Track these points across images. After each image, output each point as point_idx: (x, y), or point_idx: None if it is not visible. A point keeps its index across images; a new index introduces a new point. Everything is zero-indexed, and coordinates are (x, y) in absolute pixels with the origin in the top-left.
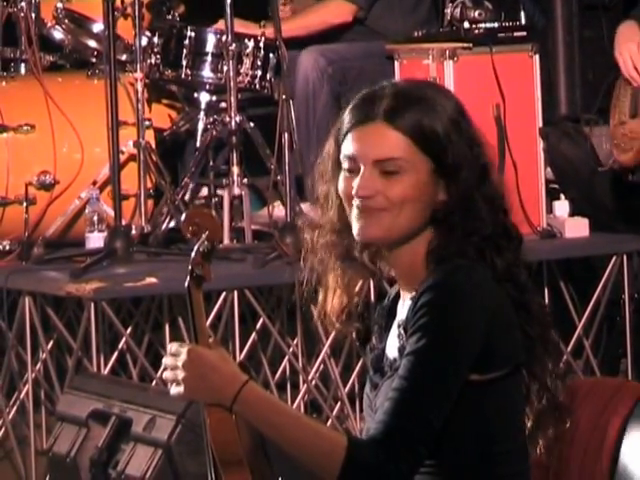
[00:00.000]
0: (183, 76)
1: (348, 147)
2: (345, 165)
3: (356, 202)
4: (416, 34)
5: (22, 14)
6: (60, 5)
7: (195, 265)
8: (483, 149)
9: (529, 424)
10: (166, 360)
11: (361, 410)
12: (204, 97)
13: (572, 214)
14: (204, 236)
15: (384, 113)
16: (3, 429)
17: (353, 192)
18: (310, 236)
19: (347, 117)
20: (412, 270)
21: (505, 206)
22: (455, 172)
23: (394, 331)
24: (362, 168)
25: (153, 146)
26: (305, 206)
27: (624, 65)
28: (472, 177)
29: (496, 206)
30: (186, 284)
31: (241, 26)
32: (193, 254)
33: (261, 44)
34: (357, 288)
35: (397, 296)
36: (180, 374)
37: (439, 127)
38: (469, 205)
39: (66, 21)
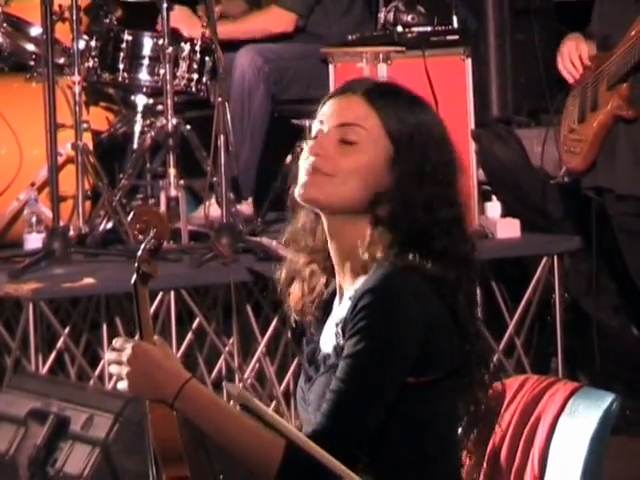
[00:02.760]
0: (120, 79)
1: (321, 112)
2: (314, 132)
3: (309, 161)
4: (350, 38)
5: None
6: None
7: (142, 262)
8: (451, 166)
9: (462, 425)
10: (110, 355)
11: (296, 408)
12: (141, 100)
13: (504, 215)
14: (152, 234)
15: (365, 90)
16: None
17: (308, 150)
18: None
19: (329, 94)
20: (352, 256)
21: (462, 213)
22: (419, 170)
23: (330, 326)
24: (326, 129)
25: (91, 148)
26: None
27: (561, 60)
28: (445, 186)
29: (457, 212)
30: (132, 281)
31: (185, 20)
32: (140, 251)
33: (197, 47)
34: (319, 280)
35: (334, 293)
36: (124, 369)
37: (411, 119)
38: (428, 207)
39: (4, 25)
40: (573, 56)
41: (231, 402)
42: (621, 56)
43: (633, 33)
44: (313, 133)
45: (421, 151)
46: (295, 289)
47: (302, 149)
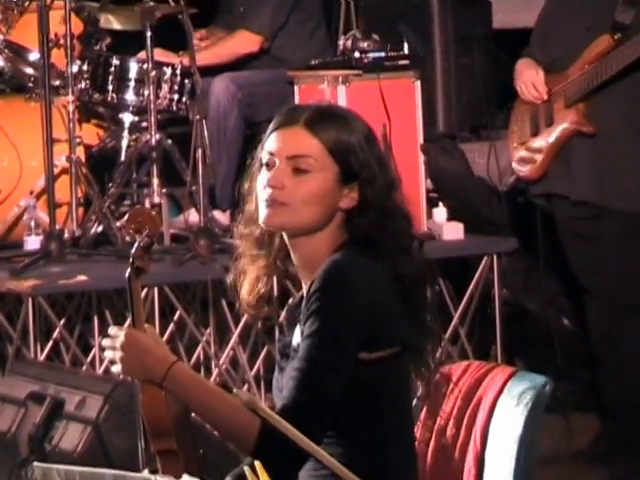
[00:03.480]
0: (109, 99)
1: (269, 144)
2: (265, 160)
3: (267, 192)
4: (313, 62)
5: None
6: (1, 37)
7: (136, 258)
8: (389, 168)
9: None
10: (105, 342)
11: (266, 391)
12: (128, 117)
13: (449, 219)
14: (145, 233)
15: (305, 120)
16: None
17: (265, 182)
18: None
19: (273, 122)
20: (311, 261)
21: (409, 216)
22: (365, 182)
23: (299, 324)
24: (277, 162)
25: (83, 160)
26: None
27: (526, 88)
28: (382, 188)
29: (402, 216)
30: (127, 274)
31: (161, 55)
32: (134, 248)
33: (178, 71)
34: (267, 278)
35: (302, 296)
36: (118, 354)
37: (353, 141)
38: (378, 212)
39: (6, 51)
40: (538, 84)
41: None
42: (581, 79)
43: (592, 58)
44: (265, 160)
45: (364, 163)
46: (244, 289)
47: (252, 160)
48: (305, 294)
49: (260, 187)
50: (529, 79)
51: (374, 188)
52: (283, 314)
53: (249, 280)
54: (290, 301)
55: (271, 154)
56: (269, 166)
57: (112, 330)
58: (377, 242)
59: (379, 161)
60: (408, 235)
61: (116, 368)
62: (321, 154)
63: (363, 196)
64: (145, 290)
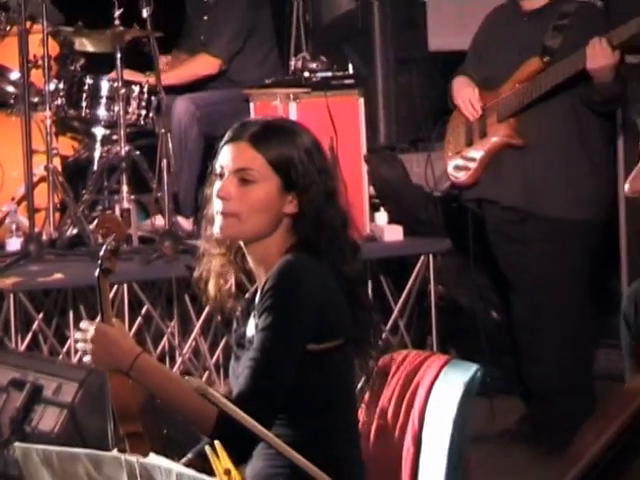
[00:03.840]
0: (83, 114)
1: (220, 157)
2: (217, 171)
3: (218, 204)
4: (267, 81)
5: None
6: None
7: (104, 259)
8: (331, 176)
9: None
10: (78, 335)
11: (225, 377)
12: (100, 131)
13: (389, 222)
14: (112, 237)
15: (249, 136)
16: None
17: (215, 193)
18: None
19: (224, 137)
20: (264, 262)
21: (348, 221)
22: (303, 191)
23: (254, 314)
24: (226, 174)
25: (60, 170)
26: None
27: (464, 104)
28: (320, 196)
29: (341, 220)
30: (96, 274)
31: (130, 75)
32: (103, 251)
33: (145, 89)
34: (228, 275)
35: (256, 290)
36: (89, 346)
37: (293, 154)
38: (317, 217)
39: None
40: (474, 101)
41: None
42: (512, 96)
43: (523, 78)
44: (217, 171)
45: (302, 174)
46: (210, 286)
47: (212, 169)
48: (259, 289)
49: (214, 196)
50: (466, 96)
51: (311, 196)
52: (229, 303)
53: (213, 277)
54: (247, 295)
55: (221, 167)
56: (221, 177)
57: (84, 324)
58: (318, 244)
59: (319, 171)
60: (346, 238)
61: (87, 358)
62: (263, 167)
63: (302, 203)
64: (116, 287)
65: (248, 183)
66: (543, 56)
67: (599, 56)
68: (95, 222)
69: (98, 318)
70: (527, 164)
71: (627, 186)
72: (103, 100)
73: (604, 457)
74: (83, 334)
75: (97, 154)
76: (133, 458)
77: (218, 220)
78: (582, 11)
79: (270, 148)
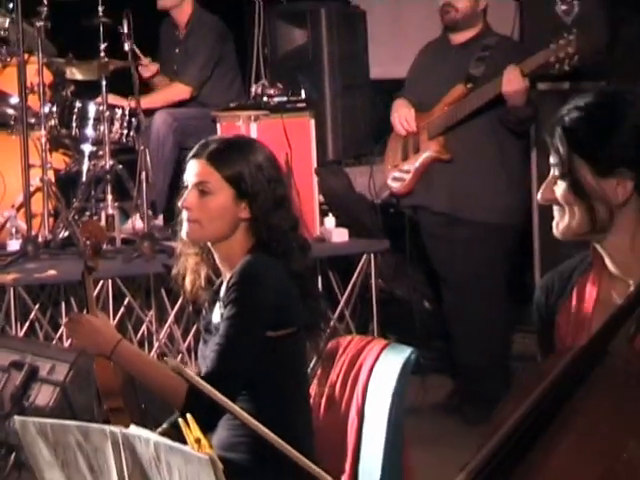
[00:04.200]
0: (73, 133)
1: (186, 171)
2: (184, 184)
3: (183, 212)
4: (231, 105)
5: None
6: None
7: (88, 259)
8: (280, 186)
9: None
10: (67, 324)
11: (195, 359)
12: (88, 148)
13: (337, 226)
14: (94, 240)
15: (207, 154)
16: None
17: (179, 203)
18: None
19: (191, 152)
20: (228, 260)
21: (297, 224)
22: (253, 199)
23: (218, 305)
24: (189, 186)
25: (53, 181)
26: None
27: (399, 122)
28: (268, 203)
29: (290, 223)
30: (81, 272)
31: (114, 99)
32: (86, 252)
33: (126, 112)
34: (201, 271)
35: (221, 283)
36: (76, 334)
37: (244, 169)
38: (267, 221)
39: None
40: (409, 119)
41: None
42: (441, 117)
43: (449, 101)
44: (184, 184)
45: (256, 183)
46: (187, 281)
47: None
48: (225, 283)
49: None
50: (403, 116)
51: (260, 203)
52: (204, 296)
53: (189, 273)
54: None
55: (186, 180)
56: (186, 189)
57: (72, 315)
58: (270, 245)
59: (269, 181)
60: (296, 238)
61: (75, 344)
62: (218, 180)
63: (253, 210)
64: (101, 282)
65: (206, 194)
66: (467, 83)
67: (512, 82)
68: (80, 226)
69: (85, 311)
70: (453, 175)
71: (539, 195)
72: (90, 121)
73: (522, 425)
74: (72, 323)
75: (85, 167)
76: (116, 429)
77: (184, 226)
78: (501, 44)
79: (224, 165)
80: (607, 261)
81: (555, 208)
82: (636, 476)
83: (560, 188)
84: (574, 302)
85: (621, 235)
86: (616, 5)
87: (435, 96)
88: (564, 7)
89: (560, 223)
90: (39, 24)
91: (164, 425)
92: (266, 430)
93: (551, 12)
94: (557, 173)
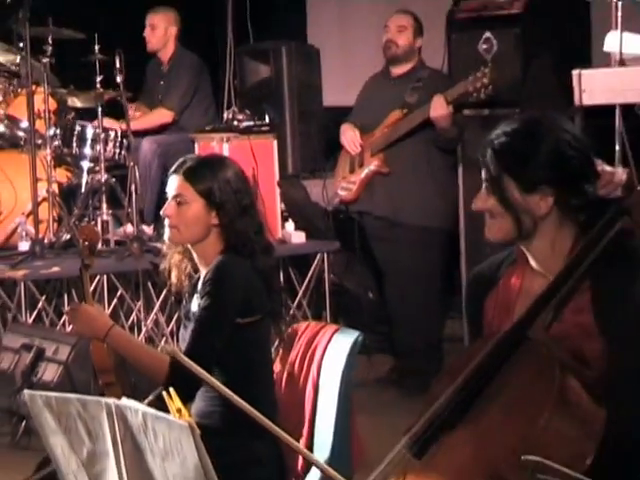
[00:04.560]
0: (74, 152)
1: (167, 185)
2: (167, 196)
3: (165, 220)
4: (207, 128)
5: None
6: (2, 111)
7: (85, 257)
8: (246, 196)
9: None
10: (68, 312)
11: (178, 341)
12: (86, 164)
13: (296, 229)
14: (91, 241)
15: (183, 171)
16: None
17: (161, 212)
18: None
19: (171, 169)
20: (204, 258)
21: (261, 228)
22: (221, 208)
23: (196, 296)
24: (169, 198)
25: (57, 192)
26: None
27: (347, 142)
28: (234, 212)
29: (254, 228)
30: (79, 268)
31: (108, 123)
32: (83, 251)
33: (119, 134)
34: (183, 267)
35: (199, 278)
36: (75, 321)
37: (214, 184)
38: (234, 226)
39: (5, 120)
40: (355, 140)
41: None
42: (381, 137)
43: (388, 124)
44: (167, 196)
45: (224, 195)
46: (172, 275)
47: None
48: (202, 278)
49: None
50: (350, 137)
51: (227, 212)
52: (186, 288)
53: (174, 269)
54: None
55: (167, 193)
56: (168, 199)
57: (72, 305)
58: (237, 246)
59: (236, 193)
60: (260, 241)
61: (74, 330)
62: (191, 193)
63: (221, 217)
64: (98, 277)
65: (182, 204)
66: (403, 109)
67: (437, 109)
68: (78, 231)
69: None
70: (392, 186)
71: (473, 204)
72: (88, 142)
73: (456, 396)
74: (72, 312)
75: (84, 181)
76: (110, 401)
77: (166, 231)
78: (432, 76)
79: (197, 180)
80: (530, 260)
81: (487, 216)
82: (550, 439)
83: (491, 201)
84: (500, 291)
85: (543, 241)
86: (528, 45)
87: (376, 120)
88: (485, 46)
89: (492, 229)
90: (45, 60)
91: (150, 397)
92: (238, 399)
93: (474, 50)
94: (488, 188)
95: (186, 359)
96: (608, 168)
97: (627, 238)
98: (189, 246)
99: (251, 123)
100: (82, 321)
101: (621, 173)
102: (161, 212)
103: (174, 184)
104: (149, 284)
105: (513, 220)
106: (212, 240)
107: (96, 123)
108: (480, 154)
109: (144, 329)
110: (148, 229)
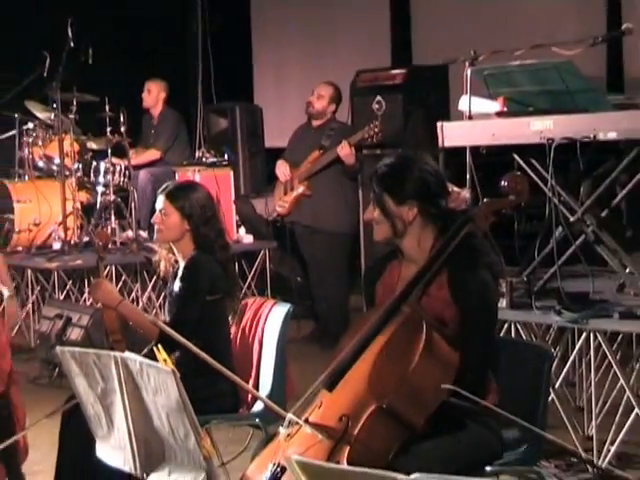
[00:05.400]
0: (91, 180)
1: (156, 202)
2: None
3: (155, 226)
4: (184, 163)
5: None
6: (41, 152)
7: (100, 253)
8: (210, 210)
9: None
10: (89, 288)
11: (164, 312)
12: (100, 189)
13: (246, 233)
14: (104, 242)
15: (166, 193)
16: (19, 324)
17: (152, 220)
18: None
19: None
20: (182, 253)
21: (221, 232)
22: (190, 218)
23: (177, 281)
24: (157, 211)
25: (79, 208)
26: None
27: (280, 173)
28: (200, 221)
29: (216, 233)
30: (96, 261)
31: (115, 160)
32: (97, 249)
33: (123, 167)
34: (170, 259)
35: (178, 267)
36: (96, 291)
37: (186, 203)
38: (200, 231)
39: (44, 158)
40: (286, 171)
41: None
42: (306, 170)
43: (310, 160)
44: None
45: (192, 209)
46: (162, 264)
47: None
48: (181, 268)
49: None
50: (282, 169)
51: (195, 221)
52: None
53: (163, 260)
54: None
55: (156, 208)
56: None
57: (94, 281)
58: (204, 245)
59: (201, 208)
60: (220, 242)
61: (93, 299)
62: (170, 207)
63: (191, 225)
64: (108, 267)
65: (165, 215)
66: (320, 150)
67: (344, 150)
68: (95, 235)
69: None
70: (313, 204)
71: (365, 215)
72: (101, 173)
73: (354, 349)
74: (92, 287)
75: (99, 200)
76: (117, 354)
77: (156, 234)
78: (340, 127)
79: (174, 199)
80: (405, 253)
81: (374, 224)
82: (422, 376)
83: (376, 212)
84: (387, 276)
85: (411, 239)
86: (407, 105)
87: (302, 157)
88: (377, 105)
89: (377, 232)
90: (71, 116)
91: (145, 351)
92: (204, 354)
93: (369, 108)
94: (374, 203)
95: (166, 327)
96: (456, 189)
97: (472, 238)
98: (172, 244)
99: (215, 159)
100: (102, 292)
101: (464, 193)
102: (152, 220)
103: (160, 201)
104: (144, 272)
105: (390, 224)
106: (186, 241)
107: (107, 160)
108: (370, 179)
109: (141, 304)
110: (144, 234)
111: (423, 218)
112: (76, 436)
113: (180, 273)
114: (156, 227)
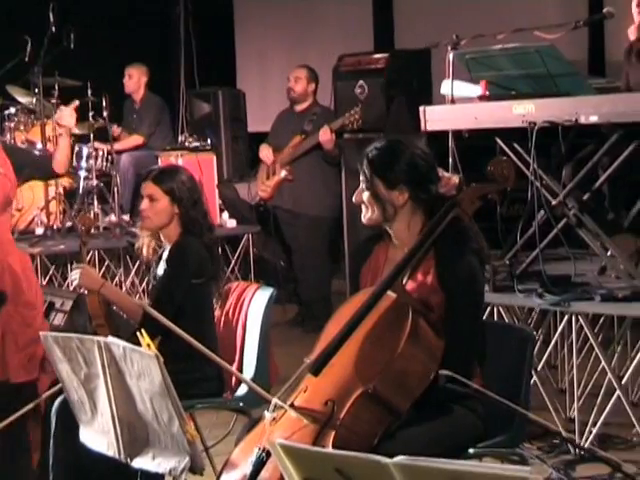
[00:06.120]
0: (74, 165)
1: (141, 189)
2: (141, 195)
3: (141, 212)
4: (167, 147)
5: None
6: (23, 137)
7: (83, 237)
8: (196, 194)
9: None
10: (72, 271)
11: (148, 297)
12: (83, 173)
13: (229, 217)
14: (86, 226)
15: (152, 176)
16: None
17: (140, 208)
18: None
19: (144, 174)
20: (168, 237)
21: (206, 215)
22: (179, 202)
23: (162, 264)
24: (144, 197)
25: (62, 193)
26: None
27: (264, 157)
28: (189, 204)
29: (202, 216)
30: (79, 245)
31: (98, 144)
32: (81, 233)
33: (105, 152)
34: (154, 244)
35: (163, 251)
36: (79, 276)
37: (174, 185)
38: (188, 215)
39: (26, 143)
40: (269, 155)
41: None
42: (288, 155)
43: (292, 145)
44: (142, 194)
45: (181, 192)
46: (144, 250)
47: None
48: (167, 251)
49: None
50: (265, 153)
51: (184, 205)
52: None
53: (146, 246)
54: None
55: (141, 193)
56: (143, 197)
57: (75, 265)
58: (191, 229)
59: (189, 191)
60: (206, 225)
61: (76, 283)
62: (159, 192)
63: (180, 209)
64: (91, 252)
65: (153, 201)
66: (302, 135)
67: (324, 135)
68: (78, 219)
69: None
70: (295, 188)
71: (354, 198)
72: (84, 158)
73: (340, 335)
74: (76, 270)
75: (81, 185)
76: (100, 338)
77: (143, 221)
78: (322, 112)
79: (162, 183)
80: (393, 237)
81: (362, 206)
82: (407, 361)
83: (365, 195)
84: (373, 260)
85: (401, 223)
86: (389, 89)
87: (284, 142)
88: (359, 90)
89: (366, 215)
90: (53, 101)
91: (128, 336)
92: (188, 337)
93: (352, 93)
94: (364, 186)
95: (151, 310)
96: (447, 174)
97: (458, 223)
98: (159, 230)
99: (198, 144)
100: (85, 276)
101: (455, 178)
102: (140, 208)
103: (146, 186)
104: (127, 257)
105: (380, 208)
106: (174, 225)
107: (89, 145)
108: (359, 162)
109: (124, 288)
110: (126, 218)
111: (413, 203)
112: (64, 429)
113: (166, 256)
114: (143, 213)
